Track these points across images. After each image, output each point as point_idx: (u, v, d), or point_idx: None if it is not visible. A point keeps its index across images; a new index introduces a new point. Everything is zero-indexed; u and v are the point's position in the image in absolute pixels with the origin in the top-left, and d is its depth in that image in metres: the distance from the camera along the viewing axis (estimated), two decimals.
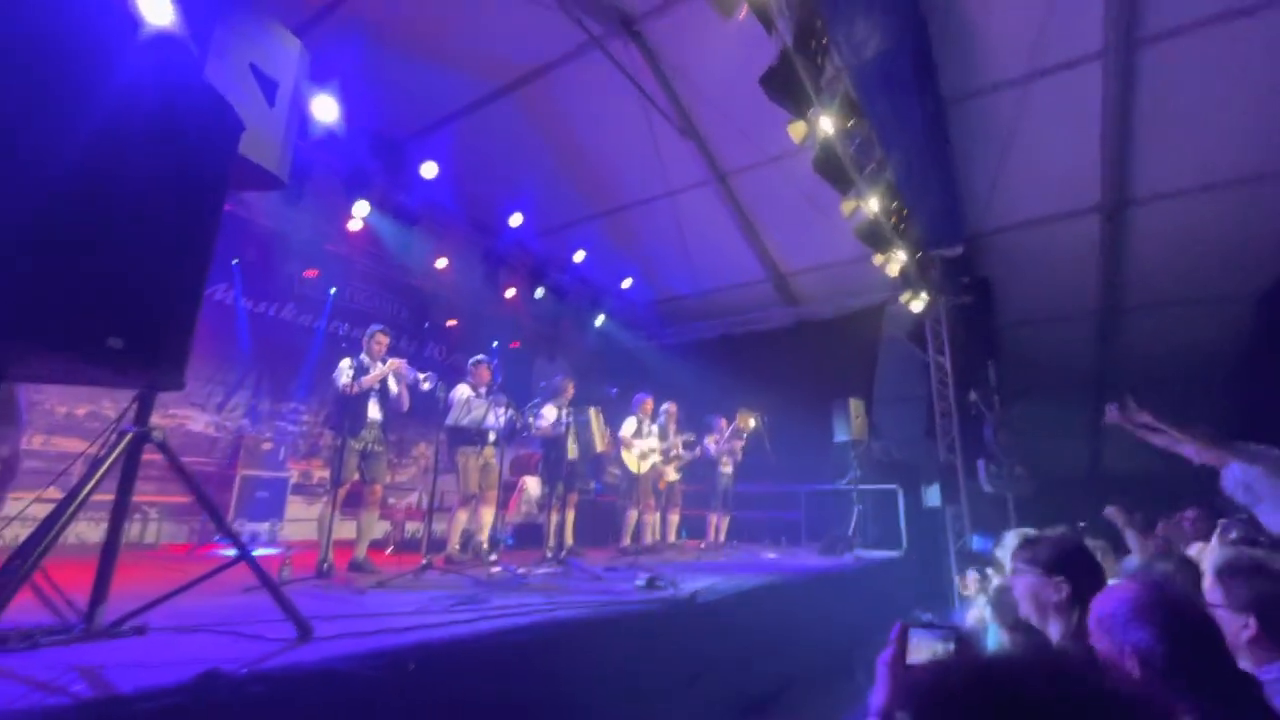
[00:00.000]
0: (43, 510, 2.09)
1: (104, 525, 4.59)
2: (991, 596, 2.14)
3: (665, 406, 6.98)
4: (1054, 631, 1.77)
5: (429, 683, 2.08)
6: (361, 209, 6.75)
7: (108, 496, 2.08)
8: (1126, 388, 3.32)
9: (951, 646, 1.03)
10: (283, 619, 2.13)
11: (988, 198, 7.39)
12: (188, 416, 6.43)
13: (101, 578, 1.95)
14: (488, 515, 5.07)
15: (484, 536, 5.00)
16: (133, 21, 1.39)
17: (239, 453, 6.59)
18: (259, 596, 2.69)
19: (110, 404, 5.73)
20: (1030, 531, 1.85)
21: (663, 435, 6.80)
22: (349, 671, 1.88)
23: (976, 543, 5.94)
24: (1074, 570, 1.75)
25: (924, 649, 1.05)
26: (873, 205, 6.10)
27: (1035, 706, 0.53)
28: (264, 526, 6.44)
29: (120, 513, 1.99)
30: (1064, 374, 9.93)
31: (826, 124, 5.01)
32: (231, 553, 2.15)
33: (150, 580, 3.40)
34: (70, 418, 5.61)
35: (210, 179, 1.37)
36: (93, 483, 1.73)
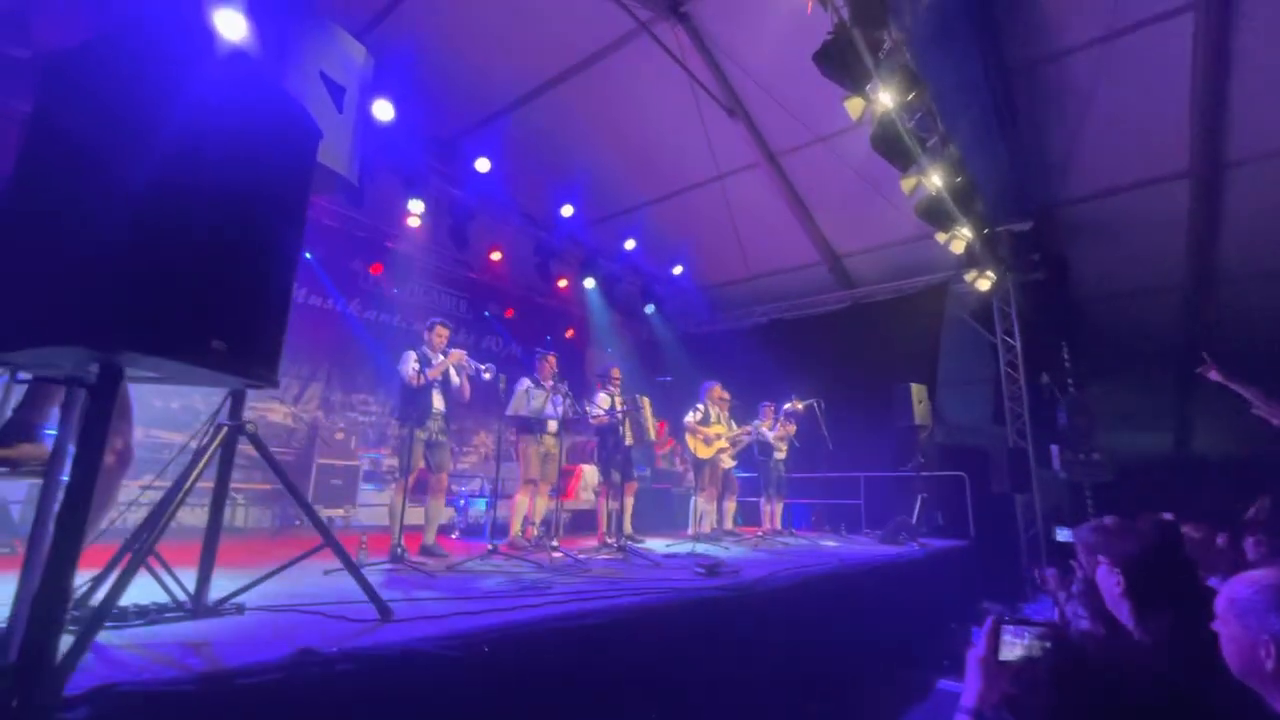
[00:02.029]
0: (149, 495, 2.30)
1: (200, 510, 4.94)
2: (1077, 588, 2.05)
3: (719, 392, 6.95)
4: (1129, 624, 1.69)
5: (501, 664, 2.15)
6: (418, 206, 6.96)
7: (205, 484, 2.24)
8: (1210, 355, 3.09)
9: (1047, 644, 0.99)
10: (364, 601, 2.25)
11: (1061, 168, 6.96)
12: (268, 408, 6.85)
13: (206, 561, 2.11)
14: (543, 503, 5.23)
15: (537, 521, 5.15)
16: (214, 38, 1.47)
17: (315, 442, 6.96)
18: (339, 579, 2.86)
19: (200, 398, 6.14)
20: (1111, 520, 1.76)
21: (720, 421, 6.79)
22: (428, 652, 1.96)
23: (1061, 534, 5.67)
24: (1133, 562, 1.65)
25: (1016, 646, 1.01)
26: (935, 181, 5.84)
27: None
28: (339, 512, 6.80)
29: (219, 500, 2.15)
30: (1147, 352, 9.29)
31: (885, 98, 4.82)
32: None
33: (242, 561, 3.66)
34: (166, 410, 6.06)
35: (294, 186, 1.45)
36: (196, 472, 1.87)
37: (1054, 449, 7.39)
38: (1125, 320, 8.92)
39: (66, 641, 1.38)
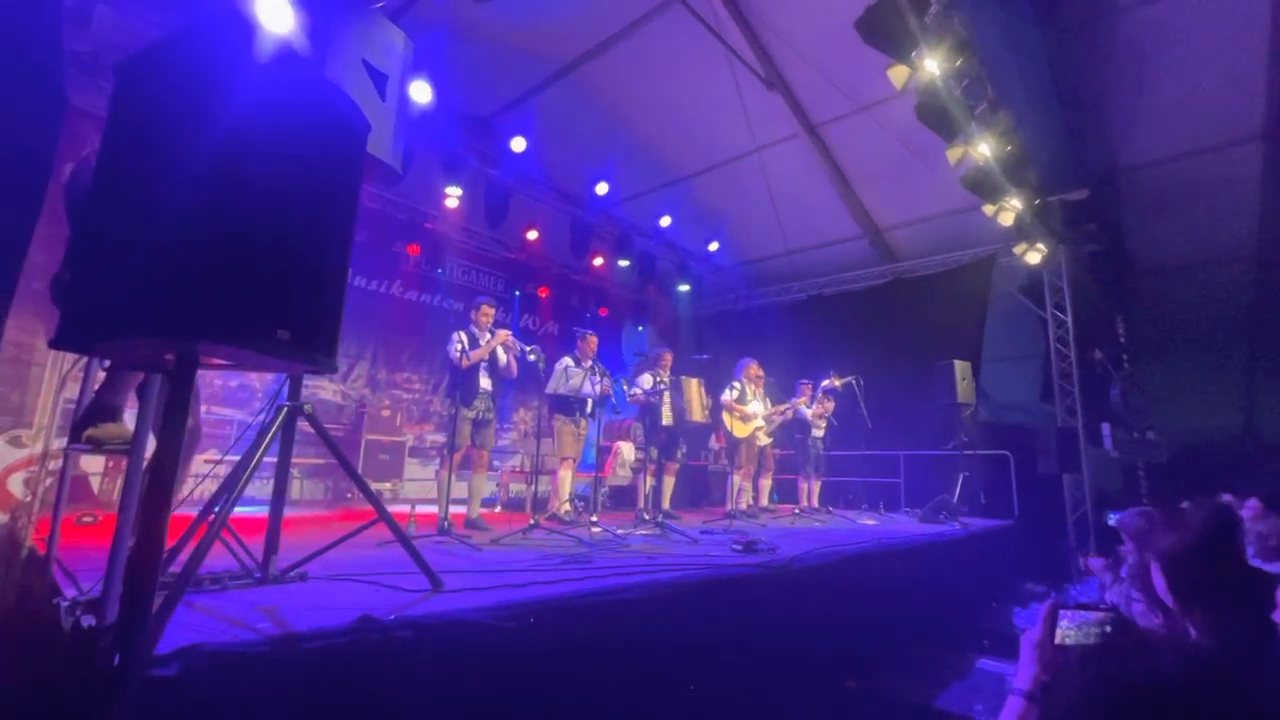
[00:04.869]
0: (216, 471, 2.47)
1: (259, 482, 5.19)
2: (1126, 573, 2.00)
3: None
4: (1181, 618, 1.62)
5: (546, 634, 2.24)
6: (456, 190, 7.05)
7: (268, 459, 2.38)
8: None
9: (1107, 630, 0.99)
10: (416, 571, 2.36)
11: (1120, 132, 6.58)
12: (319, 386, 7.14)
13: (272, 532, 2.25)
14: (572, 477, 5.37)
15: (566, 496, 5.29)
16: (265, 35, 1.52)
17: (363, 419, 7.24)
18: (392, 550, 3.00)
19: (255, 376, 6.45)
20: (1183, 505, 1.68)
21: (757, 398, 6.78)
22: (478, 622, 2.06)
23: (1112, 518, 5.52)
24: (1175, 559, 1.57)
25: (1074, 632, 1.01)
26: (983, 150, 5.60)
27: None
28: (386, 486, 7.09)
29: (282, 475, 2.28)
30: (1211, 327, 8.79)
31: (932, 65, 4.62)
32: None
33: (300, 532, 3.87)
34: (225, 388, 6.39)
35: (346, 179, 1.51)
36: (262, 449, 1.99)
37: (1105, 427, 7.14)
38: (1187, 293, 8.45)
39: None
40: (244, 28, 1.41)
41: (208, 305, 1.18)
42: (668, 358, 5.94)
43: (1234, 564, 1.52)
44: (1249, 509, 3.58)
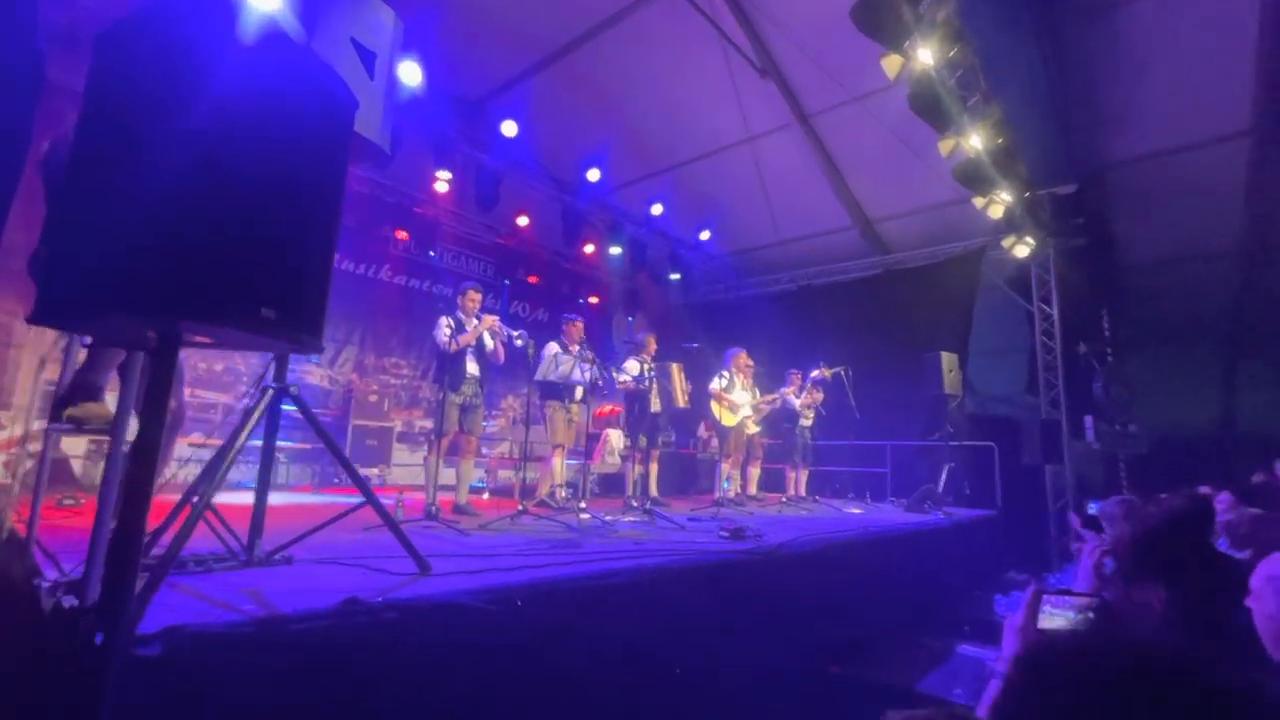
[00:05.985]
0: (199, 453, 2.44)
1: (244, 466, 5.14)
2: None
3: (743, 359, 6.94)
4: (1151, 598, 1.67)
5: (533, 617, 2.25)
6: (445, 174, 6.97)
7: (253, 443, 2.36)
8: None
9: (1090, 615, 1.00)
10: (403, 555, 2.36)
11: (1110, 128, 6.62)
12: (306, 371, 7.08)
13: (257, 514, 2.24)
14: (562, 464, 5.37)
15: (560, 482, 5.29)
16: (249, 9, 1.49)
17: (350, 404, 7.19)
18: (379, 534, 3.00)
19: (240, 359, 6.38)
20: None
21: (745, 388, 6.80)
22: (465, 605, 2.07)
23: (1092, 507, 5.63)
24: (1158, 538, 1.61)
25: (1057, 616, 1.02)
26: (974, 143, 5.61)
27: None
28: (374, 471, 7.06)
29: (268, 458, 2.27)
30: (1194, 321, 8.94)
31: (925, 56, 4.61)
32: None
33: (286, 517, 3.84)
34: (210, 371, 6.31)
35: (332, 157, 1.48)
36: (246, 430, 1.97)
37: (1088, 420, 7.24)
38: (1172, 288, 8.57)
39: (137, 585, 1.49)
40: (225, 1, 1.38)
41: (189, 282, 1.16)
42: (651, 343, 5.92)
43: (1204, 550, 1.56)
44: (1220, 501, 3.66)
